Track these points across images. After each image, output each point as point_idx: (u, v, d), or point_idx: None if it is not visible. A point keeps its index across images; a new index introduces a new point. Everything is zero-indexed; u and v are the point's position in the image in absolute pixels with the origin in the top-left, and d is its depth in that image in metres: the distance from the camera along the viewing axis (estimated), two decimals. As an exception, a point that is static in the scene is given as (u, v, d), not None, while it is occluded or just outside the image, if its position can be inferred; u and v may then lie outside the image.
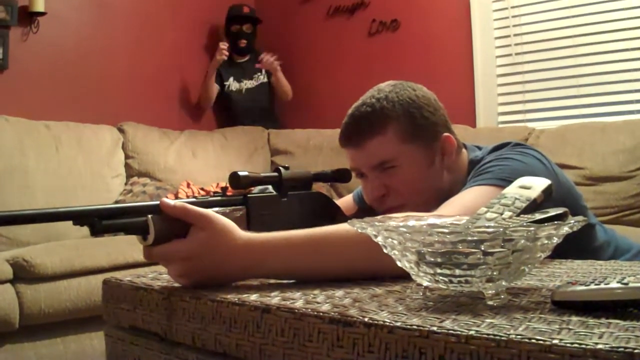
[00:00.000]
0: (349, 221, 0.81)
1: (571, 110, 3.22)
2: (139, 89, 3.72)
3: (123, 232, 0.89)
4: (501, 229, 0.67)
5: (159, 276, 1.07)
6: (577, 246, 0.97)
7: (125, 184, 3.16)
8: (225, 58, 3.86)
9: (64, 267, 2.05)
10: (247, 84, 4.02)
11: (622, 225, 2.31)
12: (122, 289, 1.02)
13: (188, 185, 3.18)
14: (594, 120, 2.95)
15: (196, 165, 3.47)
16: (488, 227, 0.71)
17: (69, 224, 2.64)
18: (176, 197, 3.01)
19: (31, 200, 2.63)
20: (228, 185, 1.02)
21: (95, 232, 0.84)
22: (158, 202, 0.88)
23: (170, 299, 0.90)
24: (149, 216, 0.86)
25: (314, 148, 3.57)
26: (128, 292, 1.00)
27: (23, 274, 2.01)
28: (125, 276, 1.07)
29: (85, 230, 2.70)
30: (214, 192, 1.04)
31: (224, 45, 3.85)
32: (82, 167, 2.93)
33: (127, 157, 3.23)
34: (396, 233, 0.72)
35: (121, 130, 3.27)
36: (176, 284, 0.94)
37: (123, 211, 0.87)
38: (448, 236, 0.68)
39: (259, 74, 4.03)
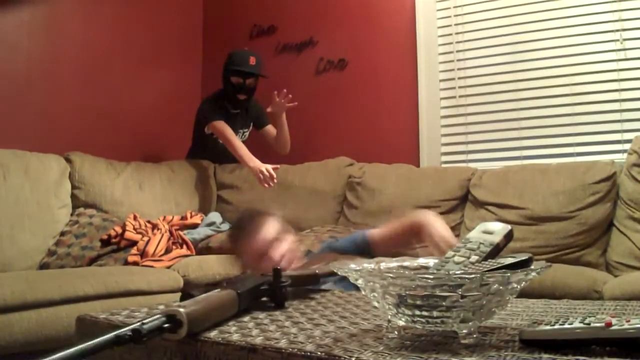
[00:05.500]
0: (331, 264, 0.86)
1: (512, 152, 3.37)
2: (87, 118, 3.69)
3: None
4: (479, 275, 0.72)
5: (132, 314, 1.09)
6: None
7: (72, 214, 3.11)
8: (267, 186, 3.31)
9: (17, 299, 2.01)
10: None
11: (562, 264, 2.42)
12: (99, 326, 1.03)
13: (135, 218, 3.16)
14: (535, 162, 3.09)
15: (143, 198, 3.44)
16: (467, 273, 0.77)
17: (14, 253, 2.56)
18: (123, 230, 2.99)
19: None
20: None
21: None
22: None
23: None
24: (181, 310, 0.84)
25: (260, 183, 3.60)
26: (105, 329, 1.01)
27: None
28: (98, 313, 1.09)
29: (31, 261, 2.64)
30: None
31: (271, 180, 3.28)
32: (29, 196, 2.87)
33: (73, 187, 3.18)
34: (379, 277, 0.77)
35: (68, 160, 3.22)
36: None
37: None
38: (430, 281, 0.73)
39: (246, 130, 3.79)
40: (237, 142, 3.49)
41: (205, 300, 0.90)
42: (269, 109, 3.62)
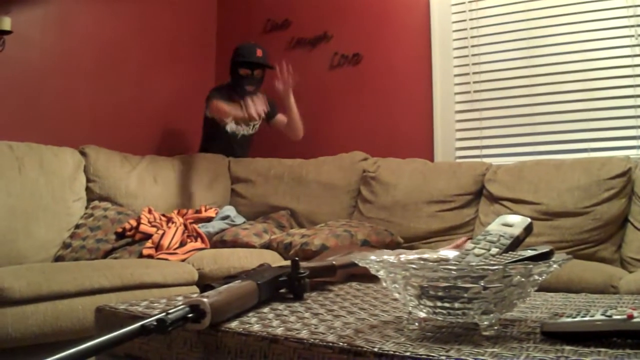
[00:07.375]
0: (351, 255, 0.86)
1: (526, 147, 3.36)
2: (101, 112, 3.71)
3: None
4: (501, 266, 0.72)
5: (152, 305, 1.10)
6: None
7: (86, 207, 3.12)
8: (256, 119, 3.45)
9: (32, 291, 2.01)
10: (245, 129, 3.76)
11: (577, 259, 2.40)
12: (118, 317, 1.04)
13: (150, 212, 3.17)
14: (549, 157, 3.08)
15: (157, 191, 3.45)
16: (490, 264, 0.77)
17: (29, 245, 2.57)
18: (138, 223, 3.00)
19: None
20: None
21: None
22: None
23: (171, 328, 0.93)
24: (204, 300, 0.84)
25: (274, 177, 3.60)
26: (125, 320, 1.02)
27: (-10, 297, 1.98)
28: (118, 304, 1.09)
29: (46, 253, 2.66)
30: None
31: (258, 111, 3.28)
32: (44, 189, 2.88)
33: (88, 180, 3.19)
34: (401, 268, 0.77)
35: (83, 153, 3.23)
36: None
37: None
38: (453, 272, 0.73)
39: (256, 122, 3.74)
40: (230, 107, 3.44)
41: (227, 291, 0.90)
42: (276, 84, 3.56)
